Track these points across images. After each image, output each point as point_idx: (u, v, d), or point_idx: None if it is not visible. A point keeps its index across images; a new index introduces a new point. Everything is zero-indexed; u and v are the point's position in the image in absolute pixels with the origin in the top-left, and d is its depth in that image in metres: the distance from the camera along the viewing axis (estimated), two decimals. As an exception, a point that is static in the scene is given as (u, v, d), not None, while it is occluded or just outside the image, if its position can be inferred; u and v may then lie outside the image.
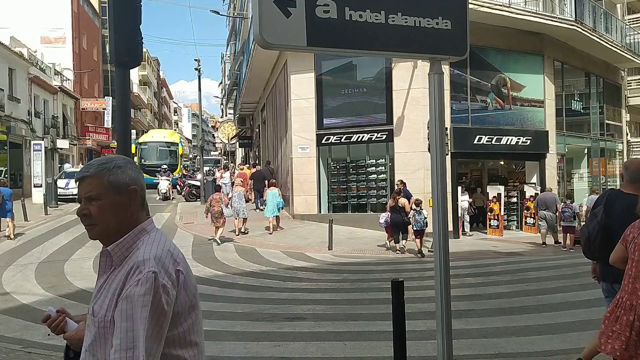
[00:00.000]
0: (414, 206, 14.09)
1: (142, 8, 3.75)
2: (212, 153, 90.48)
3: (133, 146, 31.50)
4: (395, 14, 2.89)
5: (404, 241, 14.27)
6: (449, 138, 16.52)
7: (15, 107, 27.98)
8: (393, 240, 14.37)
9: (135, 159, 32.51)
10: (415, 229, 14.07)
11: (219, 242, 14.98)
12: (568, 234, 15.30)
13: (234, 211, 16.06)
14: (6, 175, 27.22)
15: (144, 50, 66.96)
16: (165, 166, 28.64)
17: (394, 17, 2.89)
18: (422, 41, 3.00)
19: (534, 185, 19.35)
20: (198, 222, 18.90)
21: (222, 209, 14.99)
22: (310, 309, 8.49)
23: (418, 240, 14.04)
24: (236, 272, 11.62)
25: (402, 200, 14.11)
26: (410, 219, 14.00)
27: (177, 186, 28.83)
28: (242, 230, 16.71)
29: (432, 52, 3.08)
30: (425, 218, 13.75)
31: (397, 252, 14.13)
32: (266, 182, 19.68)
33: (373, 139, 17.82)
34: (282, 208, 17.86)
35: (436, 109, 3.10)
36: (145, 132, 45.53)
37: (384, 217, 14.35)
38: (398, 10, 2.90)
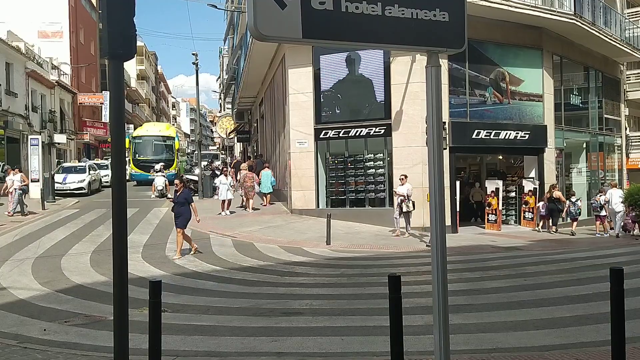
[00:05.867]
0: (572, 198, 18.38)
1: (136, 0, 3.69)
2: (210, 148, 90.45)
3: (127, 140, 30.82)
4: (392, 6, 2.85)
5: (554, 227, 18.06)
6: (447, 132, 16.46)
7: (12, 102, 27.88)
8: (547, 224, 18.24)
9: (129, 153, 31.12)
10: (571, 216, 18.16)
11: (249, 210, 19.80)
12: (599, 222, 18.39)
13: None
14: (3, 170, 27.18)
15: (142, 44, 66.25)
16: (161, 164, 27.52)
17: (391, 9, 2.85)
18: (419, 33, 2.97)
19: (532, 179, 19.34)
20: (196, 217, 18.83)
21: (254, 185, 20.13)
22: (308, 304, 8.47)
23: (575, 223, 18.04)
24: (234, 267, 11.59)
25: (557, 193, 17.98)
26: (565, 208, 18.06)
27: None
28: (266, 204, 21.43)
29: (429, 45, 3.04)
30: (579, 208, 18.34)
31: (552, 232, 17.87)
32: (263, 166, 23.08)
33: (371, 133, 17.77)
34: (274, 186, 21.87)
35: (433, 102, 3.07)
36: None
37: (542, 205, 18.20)
38: (395, 2, 2.87)
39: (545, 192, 18.52)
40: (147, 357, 4.81)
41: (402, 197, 15.19)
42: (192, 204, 12.64)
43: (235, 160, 30.46)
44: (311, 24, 2.66)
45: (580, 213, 18.49)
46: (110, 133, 3.70)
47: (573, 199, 18.47)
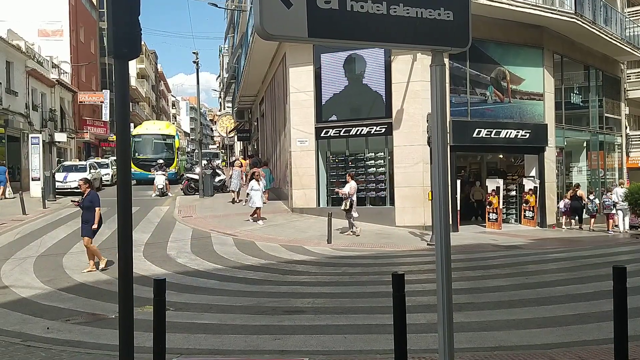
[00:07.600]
0: (591, 196, 19.62)
1: (140, -1, 3.70)
2: (211, 147, 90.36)
3: None
4: (397, 5, 2.86)
5: (574, 222, 19.42)
6: (448, 131, 16.45)
7: (12, 101, 27.87)
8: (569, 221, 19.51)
9: None
10: (588, 213, 19.30)
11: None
12: (610, 220, 19.34)
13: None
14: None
15: (142, 43, 66.98)
16: (161, 161, 27.52)
17: (396, 8, 2.86)
18: (424, 32, 2.97)
19: (532, 178, 19.36)
20: (197, 216, 18.87)
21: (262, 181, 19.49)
22: (310, 302, 8.48)
23: (593, 220, 19.31)
24: (235, 265, 11.60)
25: (580, 192, 19.32)
26: (586, 205, 19.23)
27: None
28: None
29: (434, 44, 3.05)
30: (596, 205, 19.43)
31: (574, 228, 19.17)
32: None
33: (372, 132, 17.78)
34: (272, 183, 22.81)
35: (438, 102, 3.08)
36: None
37: (563, 203, 19.36)
38: (400, 1, 2.87)
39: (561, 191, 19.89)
40: (149, 354, 4.82)
41: (344, 195, 15.51)
42: (97, 208, 10.82)
43: (234, 159, 31.38)
44: (317, 23, 2.67)
45: (597, 210, 19.57)
46: (116, 132, 3.71)
47: (591, 196, 19.70)
